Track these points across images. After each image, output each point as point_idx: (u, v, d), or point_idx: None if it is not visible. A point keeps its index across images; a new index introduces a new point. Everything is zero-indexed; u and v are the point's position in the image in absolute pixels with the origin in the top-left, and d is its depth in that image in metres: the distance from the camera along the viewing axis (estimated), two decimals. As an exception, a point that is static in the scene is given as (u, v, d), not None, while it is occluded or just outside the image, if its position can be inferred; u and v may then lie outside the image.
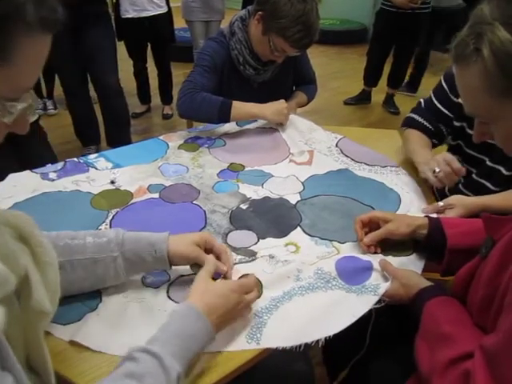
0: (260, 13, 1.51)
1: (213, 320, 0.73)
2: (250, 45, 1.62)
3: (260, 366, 0.80)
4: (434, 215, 1.13)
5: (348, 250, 1.03)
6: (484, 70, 0.64)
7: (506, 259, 0.69)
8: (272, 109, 1.56)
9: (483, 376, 0.63)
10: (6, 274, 0.50)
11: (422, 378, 0.77)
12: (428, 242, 1.00)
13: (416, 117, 1.44)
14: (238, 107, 1.53)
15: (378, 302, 0.90)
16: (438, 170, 1.16)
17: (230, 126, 1.65)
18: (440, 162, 1.16)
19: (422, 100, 1.47)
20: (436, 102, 1.40)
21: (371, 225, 1.04)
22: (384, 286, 0.91)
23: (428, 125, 1.40)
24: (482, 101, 0.67)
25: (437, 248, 0.97)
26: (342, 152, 1.49)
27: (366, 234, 1.03)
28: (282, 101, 1.60)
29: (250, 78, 1.71)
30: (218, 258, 0.89)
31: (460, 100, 1.31)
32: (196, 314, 0.72)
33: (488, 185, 1.29)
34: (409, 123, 1.45)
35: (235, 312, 0.78)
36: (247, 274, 0.91)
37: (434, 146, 1.43)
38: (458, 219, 1.06)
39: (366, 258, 0.99)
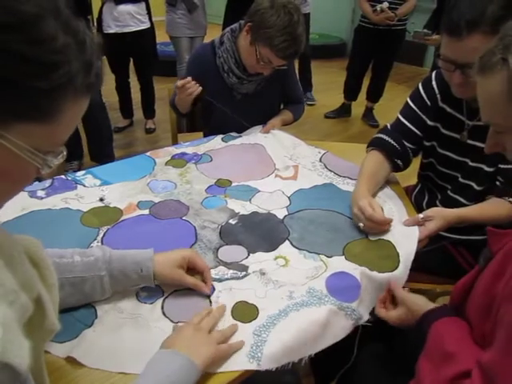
0: (249, 24, 1.57)
1: (184, 352, 0.75)
2: (236, 55, 1.67)
3: (247, 379, 0.81)
4: (416, 228, 1.18)
5: (335, 264, 1.06)
6: (508, 77, 0.68)
7: (502, 270, 0.72)
8: None
9: None
10: (27, 303, 0.51)
11: None
12: None
13: (382, 135, 1.42)
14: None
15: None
16: (361, 225, 1.17)
17: (215, 142, 1.69)
18: (360, 216, 1.16)
19: (388, 124, 1.46)
20: (404, 120, 1.40)
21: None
22: (366, 317, 0.95)
23: (394, 143, 1.38)
24: (502, 109, 0.71)
25: None
26: (326, 167, 1.53)
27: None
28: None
29: (233, 86, 1.75)
30: (201, 274, 0.96)
31: (429, 122, 1.36)
32: (167, 353, 0.75)
33: (462, 200, 1.34)
34: (374, 143, 1.43)
35: (199, 338, 0.79)
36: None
37: (398, 168, 1.41)
38: None
39: (352, 273, 1.02)
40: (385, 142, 1.40)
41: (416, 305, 0.91)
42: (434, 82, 1.36)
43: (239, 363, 0.80)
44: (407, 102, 1.43)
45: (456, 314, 0.84)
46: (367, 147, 1.46)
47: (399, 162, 1.40)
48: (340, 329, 0.90)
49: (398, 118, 1.44)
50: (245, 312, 0.90)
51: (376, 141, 1.43)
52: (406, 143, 1.39)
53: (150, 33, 3.40)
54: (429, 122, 1.37)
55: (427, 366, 0.77)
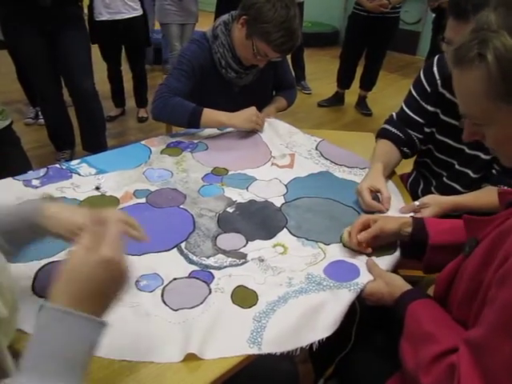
0: (244, 17, 1.54)
1: (89, 308, 0.57)
2: (232, 48, 1.64)
3: (245, 367, 0.81)
4: (412, 214, 1.18)
5: (333, 251, 1.07)
6: (486, 74, 0.67)
7: (491, 256, 0.72)
8: (241, 117, 1.59)
9: (468, 367, 0.66)
10: None
11: (407, 376, 0.80)
12: (412, 240, 1.04)
13: (387, 126, 1.47)
14: (208, 115, 1.57)
15: None
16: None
17: (211, 130, 1.67)
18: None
19: (394, 113, 1.50)
20: (407, 109, 1.44)
21: (365, 228, 1.08)
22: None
23: (398, 133, 1.43)
24: (479, 103, 0.71)
25: (420, 245, 1.01)
26: (322, 155, 1.53)
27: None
28: (252, 108, 1.63)
29: (232, 81, 1.73)
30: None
31: (429, 107, 1.37)
32: (63, 314, 0.55)
33: (457, 187, 1.35)
34: (381, 134, 1.48)
35: (112, 284, 0.62)
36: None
37: (406, 155, 1.46)
38: (440, 219, 1.09)
39: (351, 260, 1.03)
40: (390, 132, 1.45)
41: (394, 281, 0.93)
42: (435, 68, 1.37)
43: (240, 349, 0.80)
44: (410, 90, 1.45)
45: (439, 302, 0.86)
46: (376, 138, 1.50)
47: (405, 149, 1.44)
48: (343, 304, 0.89)
49: (401, 107, 1.47)
50: (244, 297, 0.91)
51: (382, 132, 1.48)
52: (409, 131, 1.43)
53: (142, 20, 3.35)
54: (429, 108, 1.39)
55: (409, 349, 0.79)
